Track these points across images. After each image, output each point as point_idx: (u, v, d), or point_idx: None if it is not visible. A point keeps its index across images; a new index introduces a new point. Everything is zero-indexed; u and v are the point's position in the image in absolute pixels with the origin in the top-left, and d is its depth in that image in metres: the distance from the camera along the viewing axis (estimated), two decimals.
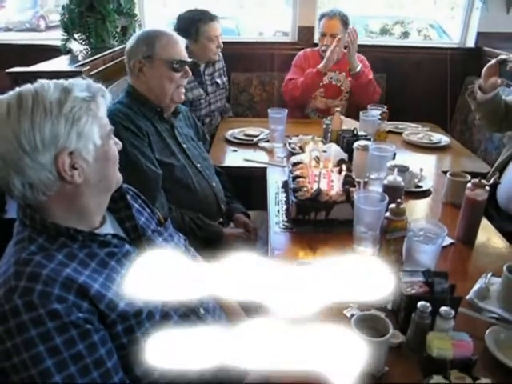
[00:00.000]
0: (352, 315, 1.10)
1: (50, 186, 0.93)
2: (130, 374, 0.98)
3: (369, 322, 1.01)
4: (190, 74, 1.76)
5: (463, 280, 1.30)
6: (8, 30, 9.72)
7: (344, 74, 2.94)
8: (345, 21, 2.84)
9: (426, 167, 2.03)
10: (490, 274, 1.30)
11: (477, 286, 1.25)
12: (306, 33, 3.16)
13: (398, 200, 1.25)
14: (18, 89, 0.93)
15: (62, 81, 0.96)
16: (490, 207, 2.17)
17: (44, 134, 0.88)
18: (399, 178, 1.52)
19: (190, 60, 1.76)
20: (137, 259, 1.06)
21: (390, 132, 2.62)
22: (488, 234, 1.55)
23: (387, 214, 1.26)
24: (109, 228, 1.07)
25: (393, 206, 1.25)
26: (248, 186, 2.06)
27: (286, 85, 2.93)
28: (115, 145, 1.05)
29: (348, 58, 2.83)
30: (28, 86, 0.93)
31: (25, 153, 0.88)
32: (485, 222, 1.61)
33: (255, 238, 1.87)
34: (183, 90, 1.77)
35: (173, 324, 1.06)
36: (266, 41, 3.53)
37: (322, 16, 2.89)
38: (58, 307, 0.84)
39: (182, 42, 1.75)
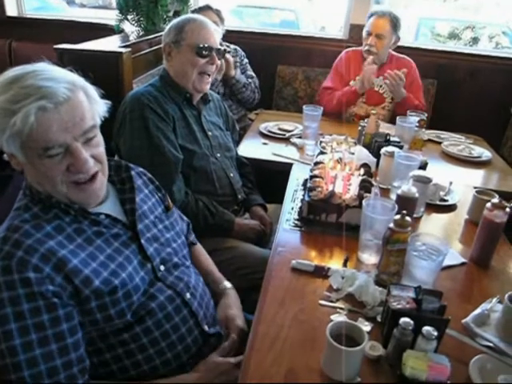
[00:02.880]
0: None
1: None
2: (100, 356, 1.02)
3: (347, 330, 0.99)
4: (218, 61, 1.78)
5: (467, 302, 1.25)
6: (82, 6, 10.19)
7: (388, 81, 2.78)
8: (395, 23, 2.70)
9: (458, 181, 1.96)
10: (495, 300, 1.24)
11: (478, 311, 1.19)
12: (357, 31, 3.06)
13: (404, 211, 1.22)
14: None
15: (27, 76, 0.93)
16: None
17: None
18: (414, 189, 1.47)
19: (219, 47, 1.77)
20: (126, 241, 1.10)
21: (429, 141, 2.55)
22: (506, 259, 1.47)
23: (391, 224, 1.22)
24: (107, 207, 1.10)
25: (397, 217, 1.22)
26: (272, 180, 2.05)
27: (322, 94, 2.87)
28: (70, 165, 0.98)
29: (391, 91, 2.72)
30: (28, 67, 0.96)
31: None
32: (506, 245, 1.53)
33: (270, 231, 1.87)
34: (208, 80, 1.79)
35: (156, 306, 1.09)
36: (314, 36, 3.47)
37: (372, 15, 2.76)
38: (31, 276, 0.90)
39: (213, 29, 1.78)
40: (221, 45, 1.82)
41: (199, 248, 1.49)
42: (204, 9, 2.73)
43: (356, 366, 0.97)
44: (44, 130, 0.92)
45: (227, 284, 1.38)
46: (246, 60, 2.99)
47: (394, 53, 2.84)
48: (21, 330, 0.89)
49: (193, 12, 2.48)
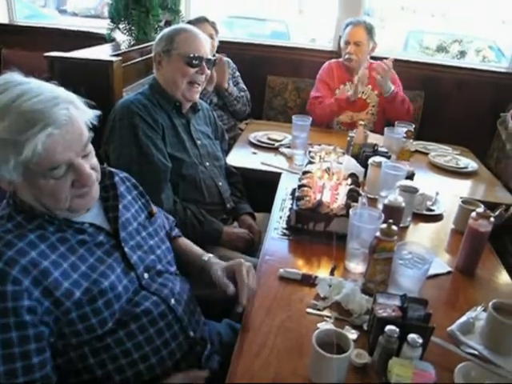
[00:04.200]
0: None
1: None
2: (84, 362, 1.01)
3: (334, 338, 1.00)
4: (207, 71, 1.80)
5: (452, 310, 1.27)
6: (74, 15, 10.21)
7: (370, 86, 2.88)
8: (370, 29, 2.80)
9: (445, 191, 1.98)
10: (480, 308, 1.25)
11: (463, 319, 1.21)
12: None
13: (390, 220, 1.23)
14: (4, 82, 0.95)
15: (23, 98, 0.91)
16: (510, 243, 2.08)
17: None
18: (400, 199, 1.49)
19: (209, 57, 1.79)
20: (109, 249, 1.09)
21: (417, 152, 2.58)
22: (491, 268, 1.49)
23: (377, 233, 1.24)
24: (90, 216, 1.10)
25: (384, 226, 1.23)
26: (261, 189, 2.06)
27: (313, 104, 2.90)
28: (75, 181, 0.99)
29: (379, 84, 2.75)
30: (2, 87, 0.93)
31: None
32: (491, 254, 1.55)
33: (258, 240, 1.87)
34: (198, 89, 1.81)
35: (141, 311, 1.09)
36: (304, 47, 3.51)
37: (347, 25, 2.86)
38: (9, 289, 0.89)
39: (203, 39, 1.80)
40: (213, 56, 1.84)
41: (183, 239, 1.48)
42: (200, 21, 2.75)
43: (342, 373, 0.97)
44: (50, 154, 0.92)
45: (209, 254, 1.36)
46: (237, 73, 3.02)
47: (372, 61, 2.89)
48: None
49: (189, 23, 2.47)
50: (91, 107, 1.04)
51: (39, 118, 0.91)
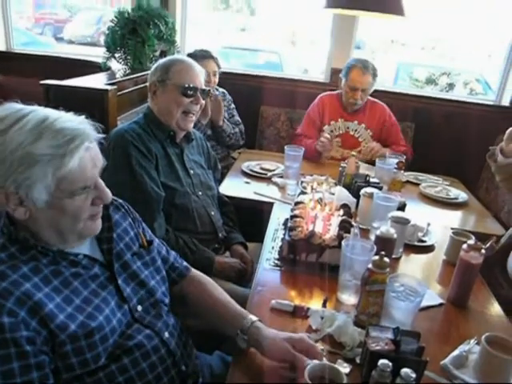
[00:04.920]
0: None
1: (4, 208, 0.97)
2: None
3: (326, 373, 0.99)
4: (202, 101, 1.82)
5: (445, 343, 1.26)
6: (71, 42, 10.37)
7: (363, 125, 2.89)
8: (375, 74, 2.81)
9: (436, 222, 2.00)
10: (473, 341, 1.24)
11: (456, 352, 1.20)
12: (338, 75, 3.18)
13: (382, 252, 1.23)
14: (23, 107, 0.97)
15: (51, 119, 0.95)
16: (501, 275, 2.08)
17: None
18: (392, 230, 1.50)
19: (204, 88, 1.82)
20: (103, 282, 1.08)
21: (408, 182, 2.61)
22: (483, 300, 1.49)
23: (370, 265, 1.24)
24: (84, 247, 1.09)
25: (376, 257, 1.23)
26: (253, 218, 2.07)
27: (294, 140, 2.89)
28: (96, 198, 1.03)
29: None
30: (22, 112, 0.95)
31: None
32: (483, 286, 1.56)
33: (251, 270, 1.86)
34: (192, 118, 1.83)
35: (133, 345, 1.07)
36: (297, 78, 3.58)
37: (353, 66, 2.80)
38: (5, 321, 0.87)
39: (198, 70, 1.83)
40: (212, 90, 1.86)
41: (204, 277, 1.37)
42: (206, 57, 2.78)
43: None
44: (83, 170, 0.96)
45: (253, 317, 1.19)
46: (233, 105, 3.04)
47: (368, 97, 2.93)
48: None
49: (193, 57, 2.38)
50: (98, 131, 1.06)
51: (76, 133, 0.95)
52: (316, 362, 1.05)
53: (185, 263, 1.40)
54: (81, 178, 0.97)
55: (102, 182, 1.03)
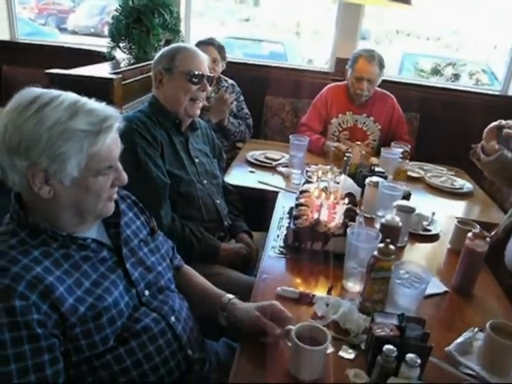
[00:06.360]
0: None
1: (23, 190, 0.99)
2: (82, 379, 1.00)
3: (311, 332, 1.06)
4: (208, 88, 1.83)
5: (449, 331, 1.26)
6: (74, 33, 10.35)
7: (372, 118, 2.85)
8: (382, 64, 2.76)
9: (441, 211, 2.00)
10: (477, 329, 1.25)
11: (460, 339, 1.20)
12: (343, 64, 3.13)
13: (387, 240, 1.24)
14: (51, 90, 1.00)
15: (82, 101, 1.00)
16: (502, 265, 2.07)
17: (25, 140, 0.93)
18: (397, 218, 1.50)
19: (209, 74, 1.83)
20: (112, 266, 1.09)
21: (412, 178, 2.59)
22: (487, 288, 1.50)
23: (375, 252, 1.24)
24: (93, 232, 1.11)
25: (381, 245, 1.24)
26: (258, 207, 2.07)
27: (299, 130, 2.87)
28: (115, 180, 1.07)
29: None
30: (53, 93, 0.99)
31: (6, 149, 0.94)
32: (487, 274, 1.56)
33: (256, 257, 1.87)
34: (199, 105, 1.84)
35: (141, 328, 1.08)
36: (301, 68, 3.56)
37: (360, 56, 2.76)
38: (17, 304, 0.88)
39: (203, 57, 1.83)
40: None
41: (189, 269, 1.45)
42: (205, 42, 2.75)
43: (318, 365, 1.02)
44: (111, 150, 1.02)
45: (229, 295, 1.29)
46: (242, 97, 3.00)
47: (376, 88, 2.91)
48: (0, 360, 0.87)
49: (196, 45, 2.42)
50: None
51: (107, 114, 1.01)
52: (302, 323, 1.09)
53: (179, 258, 1.45)
54: (108, 157, 1.01)
55: (120, 165, 1.07)
